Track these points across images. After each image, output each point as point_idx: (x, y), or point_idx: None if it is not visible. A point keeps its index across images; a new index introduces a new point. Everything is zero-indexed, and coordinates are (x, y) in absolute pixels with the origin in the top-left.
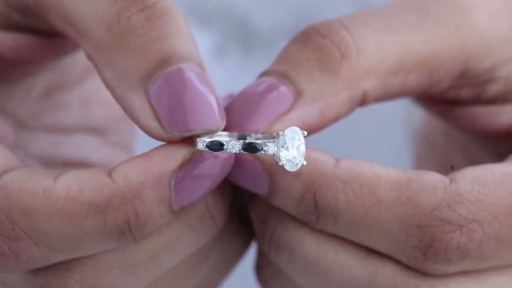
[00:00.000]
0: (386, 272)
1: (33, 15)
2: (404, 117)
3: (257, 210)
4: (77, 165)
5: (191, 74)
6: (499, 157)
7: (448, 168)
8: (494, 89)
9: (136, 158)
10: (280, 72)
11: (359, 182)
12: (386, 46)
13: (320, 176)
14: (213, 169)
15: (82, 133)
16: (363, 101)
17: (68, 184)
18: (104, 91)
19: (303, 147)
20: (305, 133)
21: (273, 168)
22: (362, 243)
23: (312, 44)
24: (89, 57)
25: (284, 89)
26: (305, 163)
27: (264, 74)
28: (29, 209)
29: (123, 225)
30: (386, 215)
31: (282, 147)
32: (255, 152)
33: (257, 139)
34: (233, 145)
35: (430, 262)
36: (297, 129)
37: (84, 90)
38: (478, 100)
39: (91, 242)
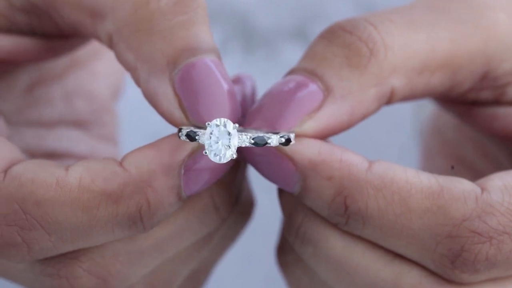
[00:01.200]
0: (411, 276)
1: (38, 15)
2: (412, 110)
3: (287, 201)
4: (60, 157)
5: (215, 67)
6: None
7: (458, 161)
8: None
9: (146, 148)
10: (307, 69)
11: (391, 189)
12: (411, 43)
13: (352, 181)
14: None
15: (65, 126)
16: (390, 99)
17: (80, 173)
18: (86, 84)
19: (234, 141)
20: (237, 126)
21: (305, 170)
22: (389, 248)
23: (338, 40)
24: (109, 39)
25: (313, 86)
26: (234, 156)
27: (291, 72)
28: (43, 199)
29: (135, 214)
30: (416, 223)
31: (210, 137)
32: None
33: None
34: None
35: (457, 271)
36: (228, 121)
37: (66, 84)
38: (497, 102)
39: (102, 232)
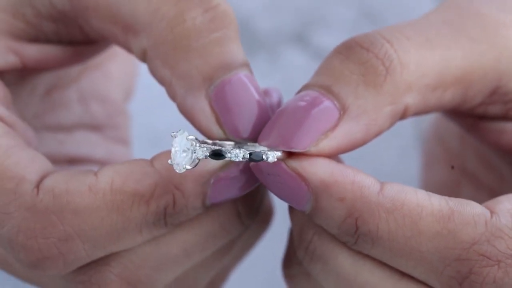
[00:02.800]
0: None
1: (66, 23)
2: (413, 118)
3: (297, 218)
4: (81, 162)
5: (248, 82)
6: None
7: (460, 170)
8: None
9: None
10: (323, 85)
11: (402, 212)
12: (427, 61)
13: (364, 203)
14: (246, 174)
15: (83, 130)
16: (403, 116)
17: (111, 177)
18: (101, 86)
19: (195, 154)
20: (194, 137)
21: (318, 190)
22: (397, 268)
23: (355, 57)
24: (143, 54)
25: (329, 104)
26: (188, 167)
27: (306, 87)
28: (80, 207)
29: (162, 212)
30: (426, 246)
31: (176, 149)
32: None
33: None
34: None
35: None
36: (187, 133)
37: (81, 87)
38: (506, 117)
39: (133, 233)
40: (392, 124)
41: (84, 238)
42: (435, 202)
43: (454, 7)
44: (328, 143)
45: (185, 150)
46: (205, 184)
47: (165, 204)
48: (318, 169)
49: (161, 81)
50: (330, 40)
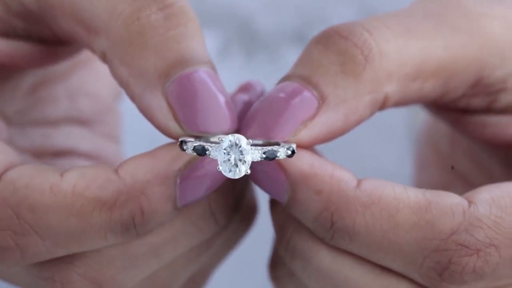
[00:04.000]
0: None
1: (35, 21)
2: (407, 120)
3: (277, 215)
4: (67, 155)
5: (207, 77)
6: (507, 166)
7: (452, 172)
8: (505, 99)
9: (142, 156)
10: (302, 76)
11: (379, 206)
12: (406, 50)
13: (341, 198)
14: (216, 167)
15: (70, 124)
16: (383, 105)
17: (75, 180)
18: (90, 84)
19: (248, 157)
20: (250, 141)
21: (296, 181)
22: (376, 262)
23: (334, 46)
24: (103, 55)
25: (308, 94)
26: (249, 172)
27: (285, 78)
28: (37, 205)
29: (128, 221)
30: (404, 238)
31: (224, 151)
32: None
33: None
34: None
35: (445, 283)
36: (241, 137)
37: (70, 84)
38: (489, 110)
39: (95, 238)
40: (372, 113)
41: (42, 235)
42: (412, 195)
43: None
44: (307, 133)
45: (234, 154)
46: (172, 185)
47: (130, 212)
48: (298, 160)
49: (120, 81)
50: None
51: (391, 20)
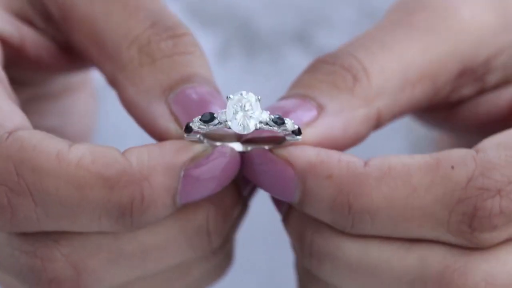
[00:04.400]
0: (434, 255)
1: (55, 26)
2: (407, 120)
3: (293, 225)
4: None
5: (208, 93)
6: None
7: None
8: (493, 79)
9: (150, 145)
10: (298, 94)
11: (391, 176)
12: (389, 64)
13: (352, 177)
14: (220, 167)
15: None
16: (378, 120)
17: (82, 152)
18: (78, 109)
19: (257, 112)
20: (259, 97)
21: (305, 172)
22: (403, 236)
23: (323, 70)
24: (113, 77)
25: (308, 104)
26: (258, 126)
27: (282, 98)
28: (40, 167)
29: (126, 205)
30: (424, 200)
31: (234, 112)
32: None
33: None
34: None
35: (476, 233)
36: (251, 94)
37: (61, 105)
38: (481, 93)
39: (89, 217)
40: (368, 128)
41: (37, 199)
42: (419, 158)
43: (401, 8)
44: (312, 131)
45: (242, 111)
46: (176, 177)
47: (130, 195)
48: (303, 152)
49: (128, 101)
50: (332, 40)
51: (367, 40)
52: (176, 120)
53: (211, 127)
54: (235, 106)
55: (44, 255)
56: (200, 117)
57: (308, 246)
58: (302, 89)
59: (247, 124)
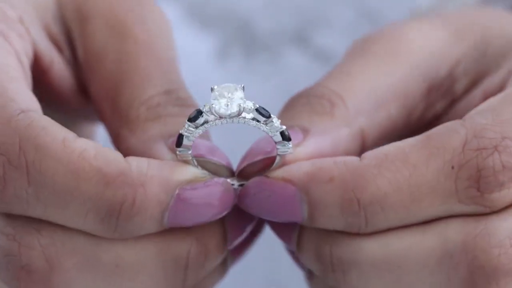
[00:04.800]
0: (452, 229)
1: (79, 64)
2: None
3: (308, 249)
4: None
5: (208, 145)
6: None
7: None
8: (460, 87)
9: (151, 159)
10: (284, 124)
11: (388, 160)
12: (358, 89)
13: (353, 173)
14: (214, 195)
15: None
16: (364, 139)
17: (87, 145)
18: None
19: (240, 94)
20: (243, 86)
21: (306, 183)
22: (417, 221)
23: (299, 103)
24: (116, 133)
25: (292, 130)
26: (242, 105)
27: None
28: (43, 147)
29: (116, 205)
30: (428, 174)
31: (213, 100)
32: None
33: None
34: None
35: (486, 194)
36: (229, 84)
37: None
38: (454, 103)
39: (77, 209)
40: (356, 148)
41: (32, 178)
42: (409, 139)
43: (358, 43)
44: (301, 149)
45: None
46: (170, 193)
47: (123, 196)
48: (299, 166)
49: (126, 151)
50: (330, 40)
51: (334, 73)
52: (173, 150)
53: (199, 130)
54: (219, 93)
55: (23, 240)
56: (188, 117)
57: (328, 261)
58: (285, 120)
59: (231, 107)
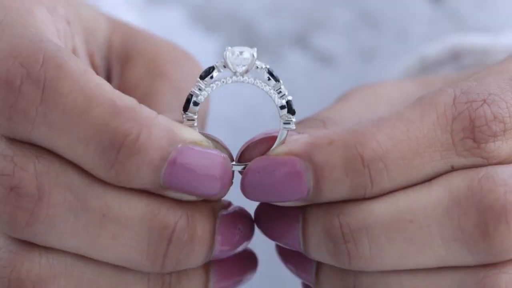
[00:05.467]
0: (455, 179)
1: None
2: None
3: (315, 231)
4: None
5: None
6: None
7: None
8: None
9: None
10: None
11: (384, 119)
12: (347, 119)
13: (351, 133)
14: (214, 163)
15: None
16: None
17: (105, 83)
18: None
19: (251, 51)
20: (255, 49)
21: (308, 151)
22: (420, 178)
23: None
24: None
25: (291, 133)
26: (255, 55)
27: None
28: (65, 67)
29: (120, 138)
30: (424, 128)
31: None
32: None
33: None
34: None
35: (482, 144)
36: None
37: None
38: None
39: (80, 135)
40: None
41: (46, 94)
42: (401, 105)
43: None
44: (299, 137)
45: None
46: (173, 144)
47: (128, 129)
48: (297, 140)
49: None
50: (329, 42)
51: (324, 110)
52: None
53: (209, 88)
54: (232, 50)
55: (19, 162)
56: (199, 75)
57: (339, 233)
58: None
59: (244, 57)
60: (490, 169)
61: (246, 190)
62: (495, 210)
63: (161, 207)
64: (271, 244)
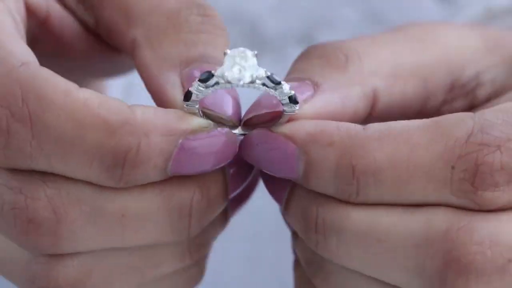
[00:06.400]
0: (439, 217)
1: (86, 4)
2: None
3: (295, 207)
4: None
5: None
6: None
7: None
8: (483, 93)
9: (155, 107)
10: (294, 78)
11: (391, 135)
12: (380, 55)
13: (353, 140)
14: (217, 145)
15: None
16: (374, 102)
17: (90, 95)
18: None
19: (253, 61)
20: (256, 52)
21: (306, 143)
22: (407, 201)
23: (315, 54)
24: (133, 42)
25: (303, 84)
26: (254, 77)
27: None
28: (46, 97)
29: (121, 154)
30: (426, 157)
31: (228, 67)
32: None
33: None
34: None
35: (480, 191)
36: (242, 49)
37: None
38: (471, 108)
39: (81, 159)
40: (366, 108)
41: (35, 130)
42: (417, 121)
43: (391, 28)
44: (309, 106)
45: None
46: (173, 142)
47: (127, 145)
48: (302, 125)
49: (141, 64)
50: None
51: (361, 36)
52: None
53: (209, 90)
54: (232, 59)
55: (29, 192)
56: (198, 78)
57: (313, 220)
58: (296, 73)
59: (243, 75)
60: (474, 221)
61: (243, 155)
62: (460, 265)
63: (174, 190)
64: (278, 247)
